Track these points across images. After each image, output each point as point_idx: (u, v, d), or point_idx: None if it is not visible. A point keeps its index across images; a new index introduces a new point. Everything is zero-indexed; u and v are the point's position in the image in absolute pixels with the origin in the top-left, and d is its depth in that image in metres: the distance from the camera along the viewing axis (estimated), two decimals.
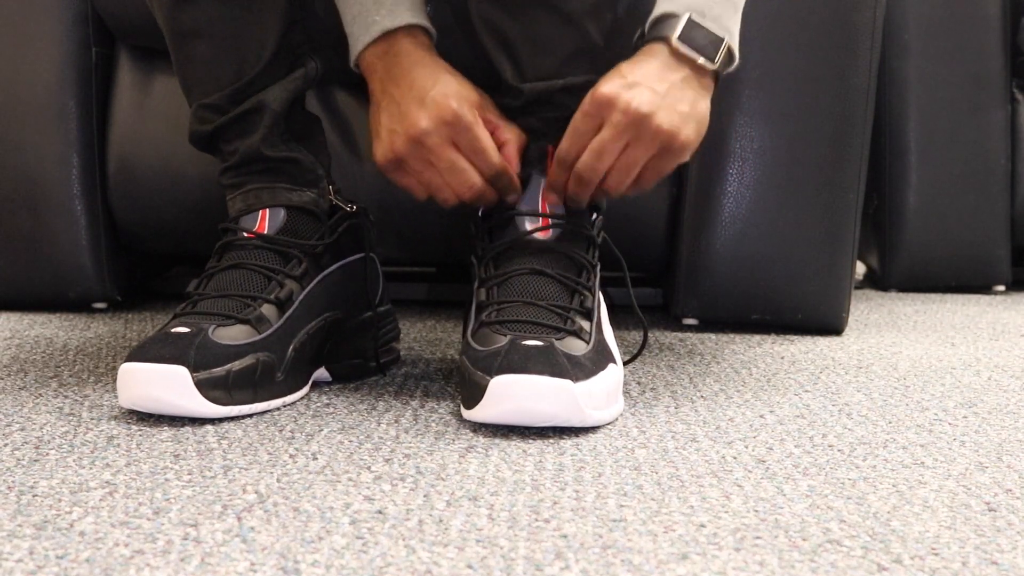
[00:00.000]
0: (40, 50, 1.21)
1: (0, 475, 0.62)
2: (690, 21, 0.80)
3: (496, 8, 0.81)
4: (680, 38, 0.80)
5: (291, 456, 0.67)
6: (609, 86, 0.79)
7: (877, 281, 1.74)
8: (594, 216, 0.87)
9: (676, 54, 0.81)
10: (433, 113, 0.80)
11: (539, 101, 0.82)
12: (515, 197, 0.84)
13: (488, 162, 0.81)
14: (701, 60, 0.81)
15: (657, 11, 0.82)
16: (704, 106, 0.82)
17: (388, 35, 0.82)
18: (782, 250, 1.17)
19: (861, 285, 1.80)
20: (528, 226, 0.83)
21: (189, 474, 0.63)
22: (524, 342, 0.73)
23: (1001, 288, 1.75)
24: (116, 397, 0.79)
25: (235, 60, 0.84)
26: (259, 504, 0.58)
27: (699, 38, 0.81)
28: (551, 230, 0.83)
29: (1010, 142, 1.71)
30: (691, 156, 0.83)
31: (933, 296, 1.66)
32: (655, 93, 0.79)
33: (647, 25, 0.83)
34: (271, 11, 0.83)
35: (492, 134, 0.82)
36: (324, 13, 0.90)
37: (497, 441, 0.71)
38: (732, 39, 0.82)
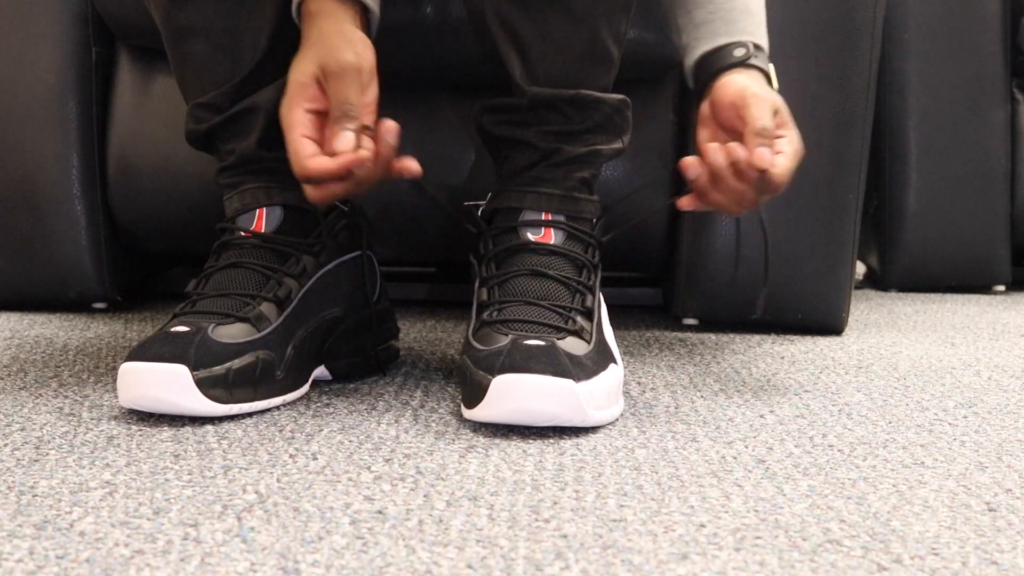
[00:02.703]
0: (40, 50, 1.21)
1: (0, 475, 0.62)
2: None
3: (510, 4, 0.81)
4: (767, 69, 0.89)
5: (291, 456, 0.67)
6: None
7: (877, 281, 1.74)
8: (595, 220, 0.87)
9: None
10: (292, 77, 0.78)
11: (544, 106, 0.82)
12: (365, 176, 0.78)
13: (297, 167, 0.77)
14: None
15: (741, 37, 0.88)
16: None
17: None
18: (782, 250, 1.17)
19: (861, 285, 1.80)
20: (530, 236, 0.83)
21: (189, 474, 0.63)
22: (526, 341, 0.73)
23: (1001, 288, 1.75)
24: (116, 397, 0.80)
25: (230, 59, 0.84)
26: (259, 504, 0.58)
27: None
28: (553, 232, 0.83)
29: (1010, 142, 1.71)
30: None
31: (933, 296, 1.66)
32: None
33: (737, 50, 0.88)
34: (265, 9, 0.84)
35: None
36: None
37: (497, 441, 0.71)
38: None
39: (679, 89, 1.20)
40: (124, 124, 1.23)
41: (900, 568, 0.50)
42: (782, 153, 0.83)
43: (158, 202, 1.23)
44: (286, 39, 0.86)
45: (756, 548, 0.53)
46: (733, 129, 0.85)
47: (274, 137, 0.86)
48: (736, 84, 0.85)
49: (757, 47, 0.88)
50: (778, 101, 0.85)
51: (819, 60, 1.15)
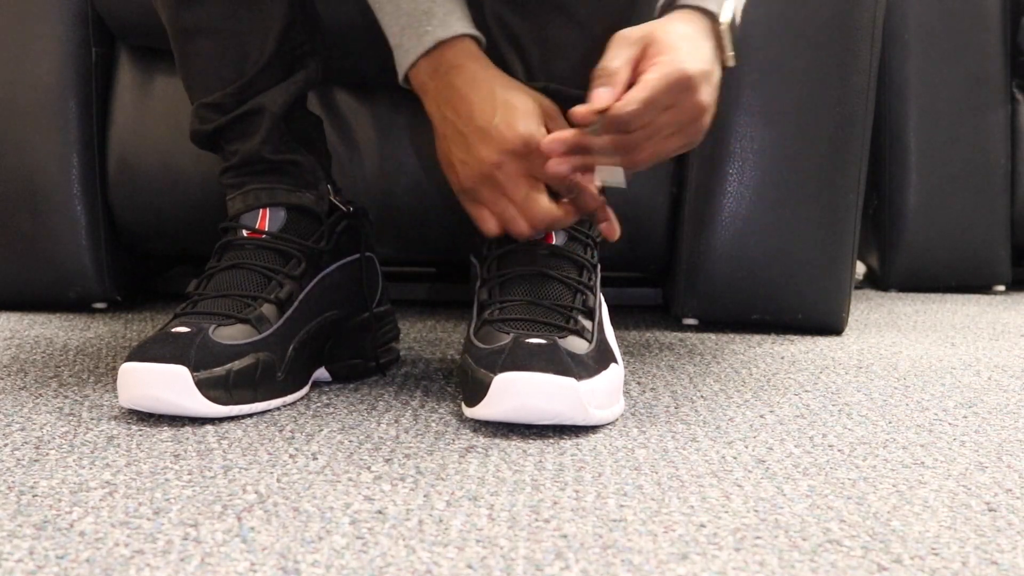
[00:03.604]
0: (40, 50, 1.21)
1: (0, 475, 0.62)
2: None
3: (509, 8, 0.81)
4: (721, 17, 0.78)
5: (291, 456, 0.67)
6: (694, 66, 0.74)
7: (877, 281, 1.74)
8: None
9: (715, 31, 0.78)
10: (500, 146, 0.76)
11: None
12: (596, 203, 0.80)
13: (567, 182, 0.77)
14: (729, 53, 0.79)
15: None
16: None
17: (440, 47, 0.77)
18: (782, 250, 1.16)
19: (861, 285, 1.80)
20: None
21: (189, 474, 0.63)
22: (527, 340, 0.74)
23: (1001, 288, 1.75)
24: (116, 397, 0.80)
25: (237, 59, 0.84)
26: (259, 504, 0.58)
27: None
28: (553, 234, 0.83)
29: (1010, 142, 1.71)
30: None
31: (933, 296, 1.66)
32: (712, 86, 0.77)
33: None
34: (273, 10, 0.84)
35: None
36: (325, 13, 0.90)
37: (497, 441, 0.71)
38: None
39: None
40: (124, 124, 1.23)
41: (900, 568, 0.50)
42: (637, 85, 0.74)
43: (158, 202, 1.23)
44: (292, 41, 0.86)
45: (756, 548, 0.53)
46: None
47: (278, 137, 0.86)
48: (643, 29, 0.76)
49: None
50: (655, 32, 0.75)
51: (819, 60, 1.15)
